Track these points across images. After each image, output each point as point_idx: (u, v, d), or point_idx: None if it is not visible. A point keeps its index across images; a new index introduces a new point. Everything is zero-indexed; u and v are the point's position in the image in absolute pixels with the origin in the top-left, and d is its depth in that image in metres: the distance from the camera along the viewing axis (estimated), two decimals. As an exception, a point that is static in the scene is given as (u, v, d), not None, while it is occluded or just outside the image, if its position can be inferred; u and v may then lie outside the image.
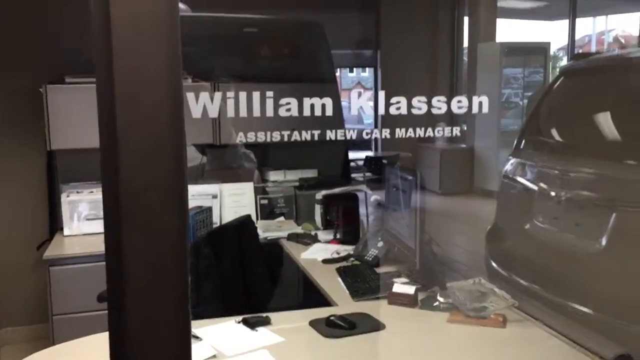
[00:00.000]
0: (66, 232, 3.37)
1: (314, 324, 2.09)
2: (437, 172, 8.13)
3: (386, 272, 2.63)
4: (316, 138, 1.05)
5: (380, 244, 2.82)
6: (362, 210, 3.33)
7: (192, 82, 3.43)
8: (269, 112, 0.92)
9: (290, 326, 2.12)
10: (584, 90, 3.32)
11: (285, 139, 1.03)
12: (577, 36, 10.48)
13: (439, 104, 0.96)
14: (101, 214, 2.50)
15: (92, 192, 3.40)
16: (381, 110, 0.95)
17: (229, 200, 3.55)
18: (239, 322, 2.09)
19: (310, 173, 4.04)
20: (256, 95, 0.92)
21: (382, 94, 0.93)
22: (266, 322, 2.10)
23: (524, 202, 3.22)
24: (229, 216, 3.43)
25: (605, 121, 3.08)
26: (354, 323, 2.07)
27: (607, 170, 2.76)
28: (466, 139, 8.65)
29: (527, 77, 8.71)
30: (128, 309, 0.52)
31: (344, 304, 2.31)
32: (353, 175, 4.66)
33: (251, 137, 1.03)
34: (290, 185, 3.88)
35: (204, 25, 4.00)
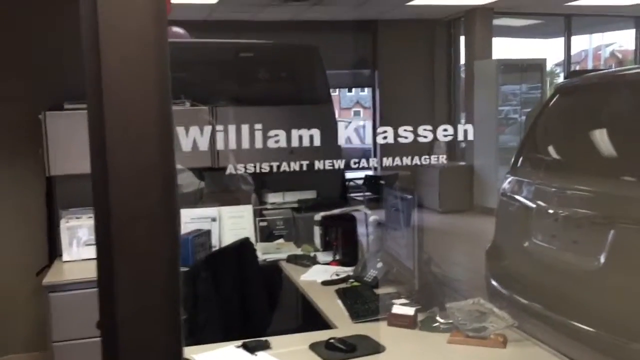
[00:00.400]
0: (65, 257, 3.36)
1: (314, 347, 2.08)
2: (436, 190, 8.14)
3: (385, 293, 2.63)
4: (304, 168, 1.07)
5: (379, 264, 2.82)
6: (361, 230, 3.33)
7: (191, 106, 3.46)
8: (258, 144, 0.93)
9: (290, 350, 2.11)
10: (579, 108, 3.34)
11: (275, 169, 1.04)
12: (574, 51, 10.57)
13: (425, 133, 0.97)
14: (99, 239, 2.47)
15: (91, 217, 3.37)
16: (368, 140, 0.97)
17: (228, 223, 3.56)
18: (238, 347, 2.08)
19: (309, 194, 4.05)
20: (245, 128, 0.94)
21: (369, 125, 0.95)
22: (266, 346, 2.09)
23: (522, 220, 3.22)
24: (228, 239, 3.43)
25: (601, 138, 3.10)
26: (354, 345, 2.06)
27: (604, 187, 2.76)
28: (465, 156, 8.67)
29: (525, 93, 8.77)
30: (120, 336, 0.53)
31: (344, 326, 2.30)
32: (352, 194, 4.67)
33: (250, 167, 1.03)
34: (289, 207, 3.88)
35: (202, 50, 4.05)
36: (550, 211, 3.01)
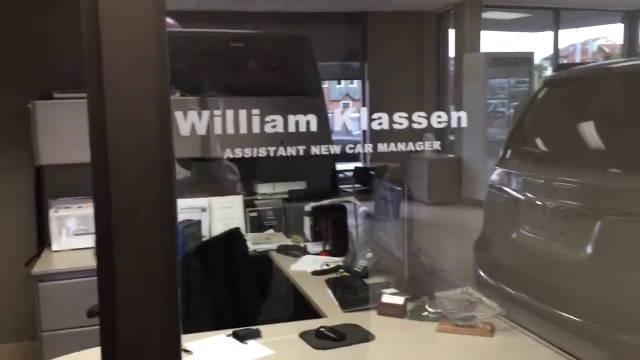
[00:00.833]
0: (54, 247, 3.35)
1: (304, 335, 2.10)
2: (425, 182, 8.18)
3: (375, 282, 2.65)
4: (301, 153, 1.08)
5: (369, 255, 2.84)
6: (351, 221, 3.35)
7: (180, 96, 3.45)
8: (256, 129, 0.94)
9: (280, 338, 2.12)
10: (567, 100, 3.37)
11: (272, 154, 1.05)
12: (562, 46, 10.63)
13: (420, 119, 0.99)
14: (90, 229, 2.51)
15: (80, 207, 3.39)
16: (364, 126, 0.98)
17: (218, 214, 3.56)
18: (229, 336, 2.09)
19: (299, 185, 4.06)
20: (242, 113, 0.94)
21: (364, 111, 0.95)
22: (256, 334, 2.10)
23: (511, 211, 3.25)
24: (218, 229, 3.43)
25: (588, 130, 3.13)
26: (343, 334, 2.08)
27: (591, 179, 2.79)
28: (454, 149, 8.72)
29: (513, 87, 8.81)
30: (119, 324, 0.54)
31: (334, 315, 2.32)
32: (342, 186, 4.68)
33: (238, 152, 1.04)
34: (279, 198, 3.89)
35: (192, 40, 4.03)
36: (538, 203, 3.04)
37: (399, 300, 2.31)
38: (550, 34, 10.12)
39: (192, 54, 3.98)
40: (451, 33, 9.46)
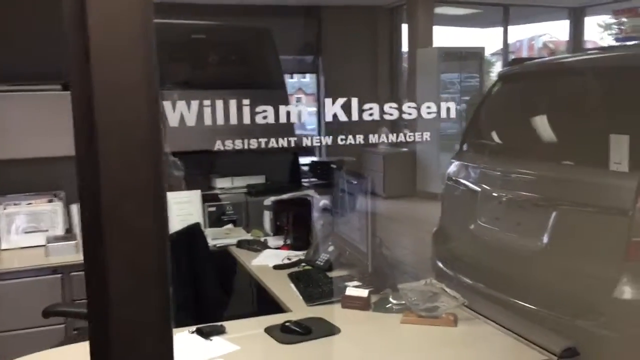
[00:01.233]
0: (3, 246, 3.23)
1: (269, 330, 2.09)
2: (380, 175, 8.25)
3: (338, 276, 2.65)
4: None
5: (331, 248, 2.84)
6: (311, 215, 3.34)
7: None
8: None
9: (245, 334, 2.10)
10: (521, 94, 3.45)
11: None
12: (509, 42, 10.89)
13: (410, 110, 0.99)
14: (40, 226, 2.40)
15: (30, 203, 3.28)
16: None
17: (175, 209, 3.49)
18: (192, 332, 2.06)
19: (258, 179, 4.02)
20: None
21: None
22: (221, 331, 2.07)
23: (468, 203, 3.31)
24: (176, 225, 3.37)
25: (541, 124, 3.21)
26: (309, 328, 2.08)
27: (545, 171, 2.87)
28: (408, 142, 8.82)
29: (463, 81, 8.97)
30: (111, 317, 0.51)
31: (298, 309, 2.31)
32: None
33: (226, 145, 1.00)
34: (239, 192, 3.85)
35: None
36: (495, 194, 3.10)
37: (363, 292, 2.32)
38: (499, 30, 10.35)
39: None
40: (404, 28, 9.56)
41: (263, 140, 1.11)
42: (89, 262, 0.53)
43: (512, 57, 11.17)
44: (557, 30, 12.62)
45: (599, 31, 11.71)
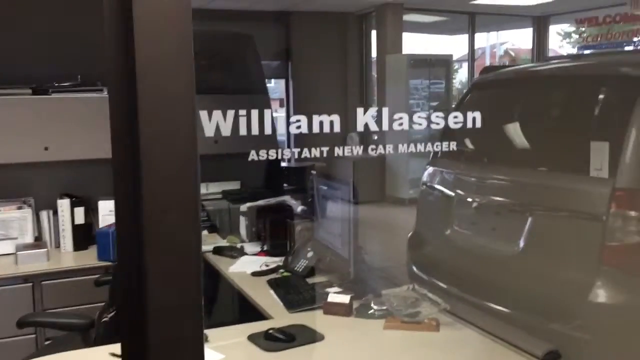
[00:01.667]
0: (-29, 254, 3.13)
1: (253, 338, 2.07)
2: (350, 181, 8.28)
3: (317, 282, 2.65)
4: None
5: (310, 254, 2.84)
6: (289, 220, 3.33)
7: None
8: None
9: (229, 342, 2.09)
10: (494, 102, 3.50)
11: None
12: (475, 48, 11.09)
13: (438, 120, 1.00)
14: (10, 233, 2.33)
15: (2, 211, 3.19)
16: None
17: (149, 215, 3.44)
18: (175, 341, 2.02)
19: (233, 185, 3.99)
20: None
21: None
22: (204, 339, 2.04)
23: (444, 208, 3.35)
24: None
25: (514, 131, 3.27)
26: (293, 335, 2.07)
27: (520, 177, 2.92)
28: (377, 148, 8.87)
29: (430, 88, 9.09)
30: (150, 329, 0.50)
31: (279, 316, 2.30)
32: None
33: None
34: (214, 198, 3.81)
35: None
36: (470, 200, 3.14)
37: (345, 299, 2.32)
38: (464, 37, 10.53)
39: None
40: (374, 34, 9.63)
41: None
42: (125, 277, 0.52)
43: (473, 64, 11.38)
44: (520, 39, 12.91)
45: (558, 39, 12.06)
